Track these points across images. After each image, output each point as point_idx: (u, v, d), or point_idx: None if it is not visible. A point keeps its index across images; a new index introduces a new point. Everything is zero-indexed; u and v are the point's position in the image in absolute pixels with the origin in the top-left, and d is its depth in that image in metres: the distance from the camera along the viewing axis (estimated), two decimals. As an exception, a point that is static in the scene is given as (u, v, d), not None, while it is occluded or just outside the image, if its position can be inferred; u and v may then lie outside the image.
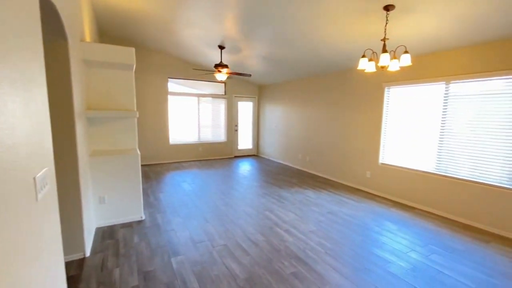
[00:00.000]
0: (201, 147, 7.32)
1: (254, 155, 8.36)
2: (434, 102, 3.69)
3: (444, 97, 3.56)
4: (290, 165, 6.80)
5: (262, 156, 8.12)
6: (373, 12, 2.75)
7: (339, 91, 5.20)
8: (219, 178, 5.36)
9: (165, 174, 5.57)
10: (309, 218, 3.39)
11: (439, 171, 3.65)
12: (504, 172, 3.04)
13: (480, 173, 3.24)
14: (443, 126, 3.59)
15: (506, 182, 3.02)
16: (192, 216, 3.38)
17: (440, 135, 3.63)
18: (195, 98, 7.09)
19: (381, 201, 4.13)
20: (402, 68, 3.98)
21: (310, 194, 4.39)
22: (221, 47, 4.80)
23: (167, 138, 6.76)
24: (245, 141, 8.21)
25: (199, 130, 7.27)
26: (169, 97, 6.69)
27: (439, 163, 3.65)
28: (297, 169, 6.39)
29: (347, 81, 5.00)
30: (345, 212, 3.63)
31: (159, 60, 6.38)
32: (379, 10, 2.69)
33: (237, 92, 7.73)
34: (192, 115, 7.13)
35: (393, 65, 2.79)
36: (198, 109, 7.17)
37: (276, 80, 6.93)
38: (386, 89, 4.31)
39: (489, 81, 3.13)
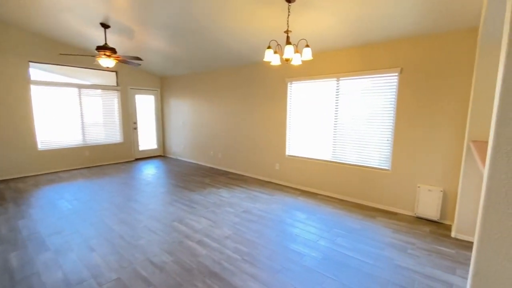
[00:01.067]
0: (88, 150, 5.91)
1: (160, 155, 7.47)
2: (329, 97, 4.06)
3: (336, 92, 3.97)
4: (202, 163, 6.39)
5: (170, 156, 7.35)
6: (275, 3, 2.66)
7: (248, 85, 5.13)
8: (114, 188, 4.40)
9: (32, 191, 4.15)
10: (224, 221, 3.13)
11: (334, 159, 4.08)
12: (379, 155, 3.63)
13: (363, 158, 3.78)
14: (336, 119, 4.00)
15: (382, 164, 3.63)
16: (69, 246, 2.53)
17: (334, 126, 4.04)
18: (75, 90, 5.62)
19: (290, 191, 4.32)
20: (302, 63, 4.20)
21: (224, 194, 4.15)
22: (105, 26, 3.85)
23: (33, 142, 5.09)
24: (148, 141, 7.21)
25: (83, 130, 5.83)
26: (33, 87, 5.03)
27: (334, 152, 4.07)
28: (210, 167, 6.05)
29: (255, 75, 4.98)
30: (259, 208, 3.56)
31: (14, 37, 4.64)
32: (281, 1, 2.62)
33: (134, 83, 6.62)
34: (73, 111, 5.64)
35: (296, 59, 2.81)
36: (80, 103, 5.72)
37: (182, 71, 6.31)
38: (288, 84, 4.49)
39: (364, 79, 3.63)
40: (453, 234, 2.81)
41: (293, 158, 4.56)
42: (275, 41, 2.78)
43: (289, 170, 4.63)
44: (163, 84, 7.19)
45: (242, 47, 4.14)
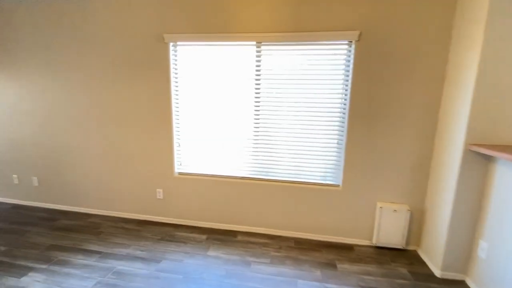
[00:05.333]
0: None
1: None
2: (245, 74, 2.44)
3: (257, 67, 2.40)
4: (-6, 199, 3.23)
5: None
6: None
7: (81, 45, 2.63)
8: None
9: None
10: None
11: (256, 174, 2.58)
12: (324, 166, 2.45)
13: (301, 171, 2.49)
14: (257, 111, 2.47)
15: (328, 178, 2.47)
16: None
17: (255, 124, 2.50)
18: None
19: (189, 237, 2.48)
20: (192, 10, 2.33)
21: (38, 281, 1.75)
22: None
23: None
24: None
25: None
26: None
27: (256, 163, 2.57)
28: (15, 206, 3.07)
29: (93, 22, 2.56)
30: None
31: None
32: None
33: None
34: None
35: None
36: None
37: None
38: (171, 46, 2.48)
39: (300, 46, 2.28)
40: (438, 273, 2.03)
41: (188, 177, 2.69)
42: None
43: (182, 197, 2.74)
44: None
45: None
